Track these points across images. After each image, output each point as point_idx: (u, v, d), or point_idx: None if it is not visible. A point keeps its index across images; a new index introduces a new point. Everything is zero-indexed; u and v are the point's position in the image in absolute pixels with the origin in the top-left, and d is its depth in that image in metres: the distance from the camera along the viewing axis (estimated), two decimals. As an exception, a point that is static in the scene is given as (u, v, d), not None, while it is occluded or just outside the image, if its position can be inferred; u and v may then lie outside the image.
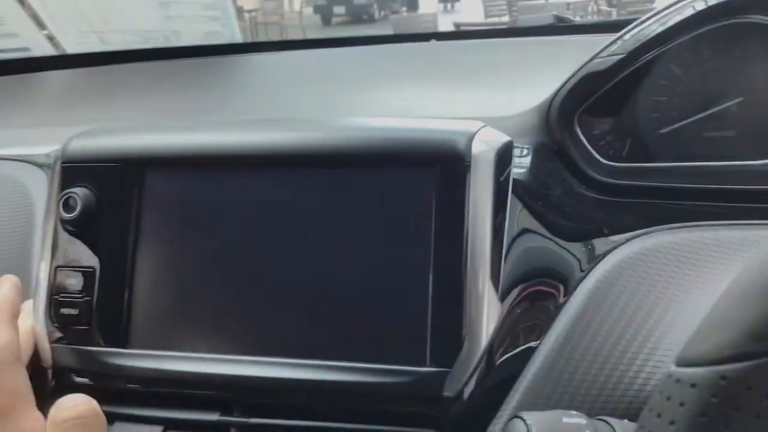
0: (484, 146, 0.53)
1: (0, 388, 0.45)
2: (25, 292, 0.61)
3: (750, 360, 0.25)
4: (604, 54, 0.62)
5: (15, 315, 0.51)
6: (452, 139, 0.53)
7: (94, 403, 0.44)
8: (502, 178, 0.53)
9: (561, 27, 1.14)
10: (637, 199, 0.62)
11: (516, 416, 0.40)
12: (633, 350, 0.51)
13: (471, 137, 0.53)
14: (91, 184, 0.57)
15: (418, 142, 0.53)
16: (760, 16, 0.59)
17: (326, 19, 12.28)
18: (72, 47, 1.21)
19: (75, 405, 0.43)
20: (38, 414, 0.46)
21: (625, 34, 0.62)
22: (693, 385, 0.26)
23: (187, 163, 0.57)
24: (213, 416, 0.54)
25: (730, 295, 0.28)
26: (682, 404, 0.27)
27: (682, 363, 0.28)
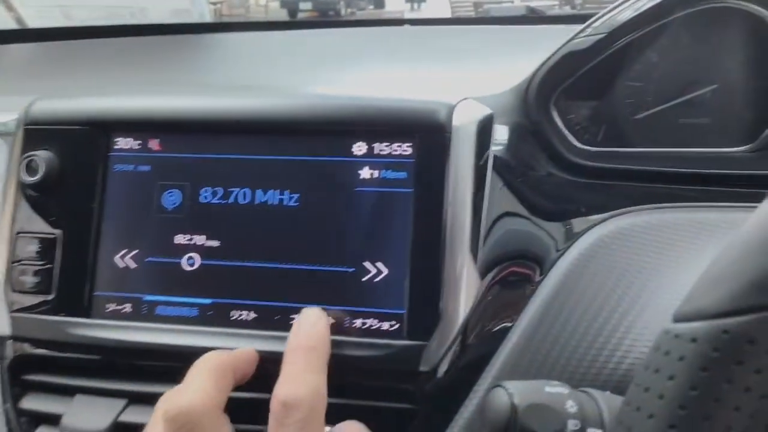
0: (466, 118, 0.52)
1: None
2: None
3: (753, 313, 0.25)
4: (583, 34, 0.61)
5: (328, 358, 0.45)
6: (433, 110, 0.52)
7: None
8: (483, 152, 0.53)
9: (532, 17, 1.14)
10: (612, 182, 0.62)
11: (497, 385, 0.40)
12: (610, 327, 0.50)
13: (452, 108, 0.52)
14: (55, 147, 0.55)
15: (399, 112, 0.52)
16: (737, 1, 0.59)
17: (292, 14, 12.18)
18: (34, 21, 1.17)
19: None
20: None
21: (598, 18, 0.62)
22: (694, 340, 0.26)
23: (153, 127, 0.55)
24: (179, 389, 0.52)
25: (730, 251, 0.27)
26: (681, 359, 0.26)
27: (680, 318, 0.27)
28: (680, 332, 0.27)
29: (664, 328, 0.28)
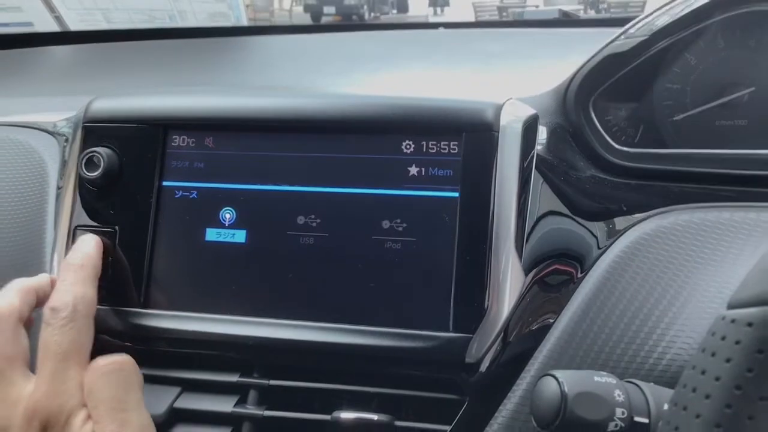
0: (512, 117, 0.53)
1: (70, 338, 0.47)
2: (38, 254, 0.61)
3: (807, 298, 0.26)
4: (623, 37, 0.63)
5: (97, 273, 0.53)
6: (481, 109, 0.53)
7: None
8: (528, 151, 0.54)
9: (566, 20, 1.15)
10: (650, 182, 0.63)
11: (548, 374, 0.41)
12: (651, 323, 0.51)
13: (499, 108, 0.53)
14: (114, 144, 0.57)
15: (447, 111, 0.54)
16: (776, 6, 0.60)
17: (316, 18, 12.28)
18: (75, 24, 1.20)
19: (112, 356, 0.48)
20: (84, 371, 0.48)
21: (636, 24, 0.63)
22: (749, 324, 0.27)
23: (208, 126, 0.57)
24: (232, 377, 0.54)
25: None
26: (738, 342, 0.27)
27: (736, 305, 0.29)
28: (736, 317, 0.28)
29: (719, 315, 0.29)
